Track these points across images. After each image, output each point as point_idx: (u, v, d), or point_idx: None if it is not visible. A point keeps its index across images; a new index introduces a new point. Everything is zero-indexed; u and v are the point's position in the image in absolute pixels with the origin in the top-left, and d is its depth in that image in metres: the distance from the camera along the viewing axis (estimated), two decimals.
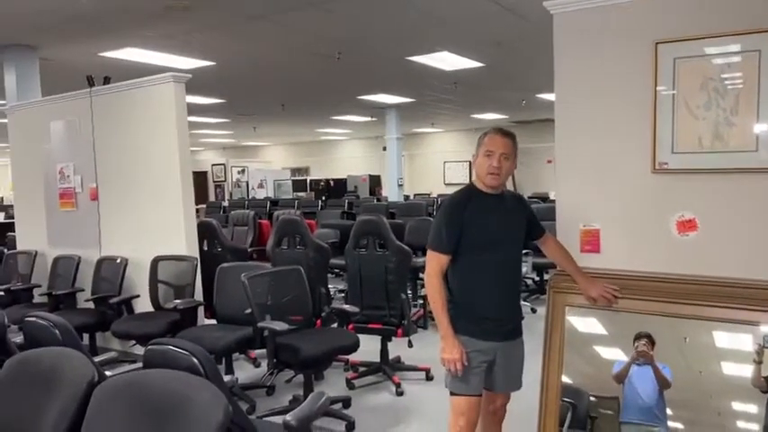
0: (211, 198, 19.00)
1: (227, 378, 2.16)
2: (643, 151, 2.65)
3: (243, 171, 20.26)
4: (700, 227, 2.55)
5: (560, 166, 2.94)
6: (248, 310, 3.69)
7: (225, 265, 4.32)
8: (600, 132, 2.76)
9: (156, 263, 4.67)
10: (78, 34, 5.81)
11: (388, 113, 12.46)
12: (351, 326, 4.28)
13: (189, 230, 4.66)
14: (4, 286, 5.37)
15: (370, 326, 4.27)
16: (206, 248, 4.94)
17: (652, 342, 2.53)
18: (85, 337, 4.96)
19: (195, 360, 1.84)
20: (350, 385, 4.26)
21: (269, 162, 21.95)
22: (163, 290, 4.65)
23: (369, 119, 13.78)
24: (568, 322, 2.75)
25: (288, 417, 2.02)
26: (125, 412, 1.71)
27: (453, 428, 2.47)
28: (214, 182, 21.03)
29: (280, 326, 3.43)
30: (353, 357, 4.48)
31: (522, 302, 6.51)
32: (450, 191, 9.66)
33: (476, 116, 14.42)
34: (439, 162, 18.60)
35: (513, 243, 2.52)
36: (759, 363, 2.33)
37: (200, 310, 4.55)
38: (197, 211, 10.72)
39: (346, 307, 3.89)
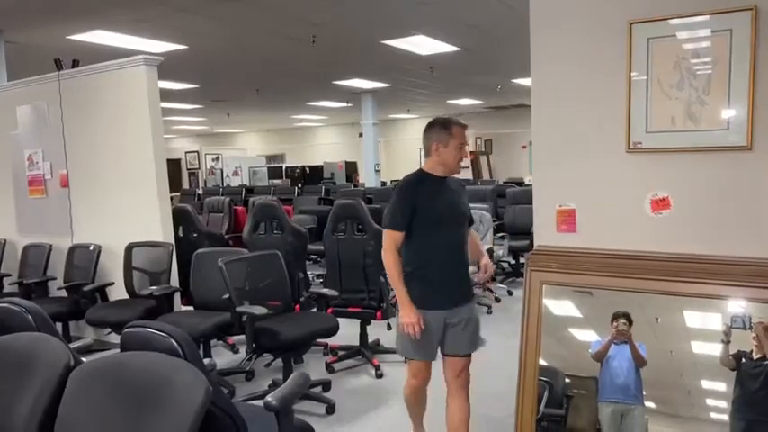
0: (185, 186, 18.75)
1: (206, 361, 2.13)
2: (618, 131, 2.67)
3: (217, 159, 20.00)
4: (673, 205, 2.59)
5: (537, 148, 2.95)
6: (226, 296, 3.66)
7: (201, 250, 4.28)
8: (575, 113, 2.78)
9: (130, 249, 4.59)
10: (46, 16, 5.65)
11: (363, 99, 12.40)
12: (330, 310, 4.28)
13: (164, 216, 4.60)
14: None
15: (349, 309, 4.28)
16: (181, 235, 4.88)
17: (630, 321, 2.57)
18: (59, 326, 4.87)
19: (174, 342, 1.81)
20: (329, 369, 4.27)
21: (243, 149, 21.71)
22: (138, 277, 4.58)
23: (344, 104, 13.70)
24: (543, 305, 2.79)
25: (269, 397, 2.01)
26: (103, 395, 1.69)
27: (407, 388, 2.86)
28: (188, 170, 20.71)
29: (258, 310, 3.41)
30: (333, 341, 4.49)
31: (498, 285, 6.64)
32: None
33: (451, 102, 14.44)
34: (415, 148, 18.58)
35: (458, 221, 2.78)
36: (727, 342, 2.39)
37: (177, 297, 4.50)
38: (171, 199, 10.59)
39: (325, 291, 3.89)
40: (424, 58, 8.31)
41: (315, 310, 4.08)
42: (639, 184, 2.65)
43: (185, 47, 7.02)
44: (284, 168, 18.08)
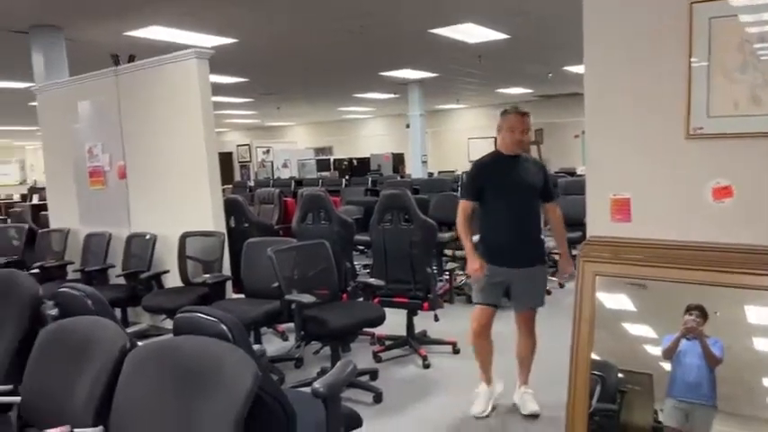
0: (237, 178, 19.15)
1: (255, 347, 2.16)
2: (676, 116, 2.56)
3: (267, 151, 20.34)
4: (735, 193, 2.47)
5: (590, 135, 2.88)
6: (275, 284, 3.72)
7: (252, 240, 4.36)
8: (631, 98, 2.68)
9: (184, 239, 4.73)
10: (103, 13, 5.85)
11: (411, 90, 12.33)
12: (376, 299, 4.29)
13: (216, 207, 4.70)
14: (37, 263, 5.49)
15: (395, 299, 4.28)
16: (233, 225, 4.98)
17: (704, 315, 2.45)
18: (117, 311, 5.07)
19: (224, 327, 1.85)
20: (377, 358, 4.28)
21: (293, 142, 21.98)
22: (191, 265, 4.71)
23: (391, 95, 13.68)
24: (596, 298, 2.71)
25: (316, 384, 2.03)
26: (156, 378, 1.74)
27: (471, 330, 3.30)
28: (239, 162, 21.15)
29: (306, 298, 3.45)
30: (379, 331, 4.51)
31: (550, 277, 6.49)
32: None
33: (501, 91, 14.21)
34: (463, 139, 18.42)
35: (524, 194, 3.17)
36: None
37: (229, 285, 4.60)
38: (223, 190, 10.83)
39: (371, 280, 3.90)
40: (472, 46, 8.20)
41: (361, 299, 4.09)
42: (699, 172, 2.53)
43: (236, 40, 7.14)
44: (332, 161, 18.22)
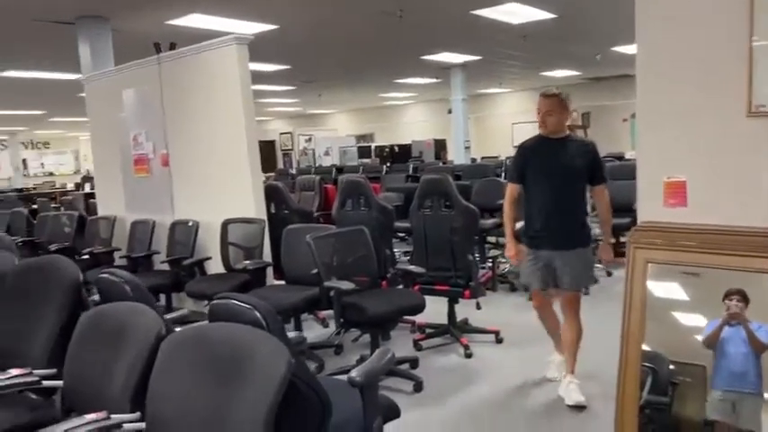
0: (279, 166, 19.35)
1: (293, 334, 2.14)
2: (737, 93, 2.38)
3: (309, 139, 20.46)
4: None
5: (642, 116, 2.74)
6: (314, 271, 3.69)
7: (292, 226, 4.35)
8: (687, 75, 2.52)
9: (225, 225, 4.76)
10: (147, 3, 5.91)
11: (453, 74, 12.12)
12: (417, 287, 4.22)
13: (256, 193, 4.70)
14: (86, 250, 5.65)
15: (436, 287, 4.20)
16: (273, 211, 4.99)
17: (745, 299, 2.30)
18: (162, 297, 5.17)
19: (258, 314, 1.82)
20: (417, 346, 4.23)
21: (334, 129, 22.04)
22: (233, 252, 4.74)
23: (433, 80, 13.50)
24: (647, 286, 2.56)
25: (353, 373, 1.98)
26: (189, 364, 1.72)
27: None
28: (282, 150, 21.36)
29: (345, 285, 3.41)
30: (420, 319, 4.45)
31: (597, 265, 6.28)
32: None
33: (546, 74, 13.83)
34: (507, 124, 18.06)
35: (564, 176, 3.14)
36: None
37: (270, 271, 4.61)
38: (266, 179, 10.93)
39: (411, 267, 3.82)
40: (516, 27, 7.96)
41: (401, 287, 4.03)
42: (762, 152, 2.35)
43: (276, 26, 7.13)
44: (373, 147, 18.17)
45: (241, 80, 4.60)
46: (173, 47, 5.20)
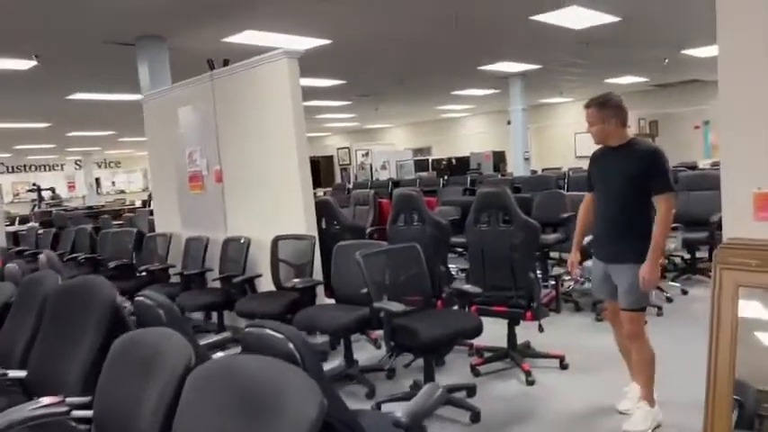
0: (337, 181, 19.43)
1: (335, 364, 1.99)
2: None
3: (367, 154, 20.47)
4: None
5: (725, 122, 2.48)
6: (364, 290, 3.51)
7: (342, 243, 4.20)
8: None
9: (276, 242, 4.66)
10: (203, 20, 5.97)
11: (511, 84, 11.79)
12: (473, 307, 3.97)
13: (307, 209, 4.59)
14: (143, 267, 5.69)
15: (494, 308, 3.93)
16: (324, 227, 4.86)
17: None
18: (214, 315, 5.13)
19: (291, 345, 1.64)
20: (474, 372, 3.96)
21: (391, 144, 21.95)
22: (284, 269, 4.63)
23: (491, 91, 13.19)
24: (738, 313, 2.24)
25: (398, 412, 1.77)
26: (215, 399, 1.56)
27: None
28: (339, 165, 21.46)
29: (396, 306, 3.21)
30: (478, 341, 4.19)
31: (671, 283, 5.84)
32: (582, 164, 8.83)
33: (609, 81, 13.25)
34: (569, 134, 17.43)
35: (616, 183, 2.98)
36: None
37: (321, 290, 4.47)
38: (324, 193, 10.87)
39: (467, 287, 3.58)
40: (577, 32, 7.60)
41: (456, 308, 3.79)
42: None
43: (329, 41, 7.08)
44: (430, 161, 17.95)
45: (292, 95, 4.51)
46: (226, 63, 5.20)
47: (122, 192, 24.00)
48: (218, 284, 5.02)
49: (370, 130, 22.57)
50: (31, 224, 10.55)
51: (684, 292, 5.61)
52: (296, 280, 4.24)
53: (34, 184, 20.47)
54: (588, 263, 3.45)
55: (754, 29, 2.30)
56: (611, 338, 3.29)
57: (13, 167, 23.03)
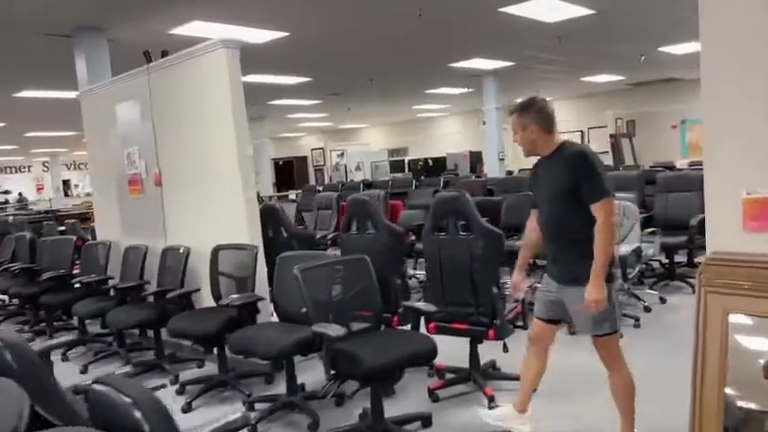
0: (311, 182, 18.95)
1: (237, 416, 1.59)
2: None
3: (342, 154, 20.02)
4: None
5: (709, 119, 2.20)
6: (304, 309, 3.08)
7: (285, 254, 3.76)
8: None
9: (216, 252, 4.21)
10: (145, 10, 5.49)
11: (485, 82, 11.43)
12: (431, 325, 3.56)
13: (250, 215, 4.15)
14: (78, 279, 5.19)
15: (453, 326, 3.52)
16: (271, 235, 4.42)
17: None
18: (151, 334, 4.65)
19: (138, 414, 1.21)
20: (433, 397, 3.55)
21: (367, 144, 21.52)
22: (225, 283, 4.18)
23: (465, 90, 12.82)
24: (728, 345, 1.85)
25: None
26: None
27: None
28: (314, 166, 20.98)
29: (335, 330, 2.78)
30: (439, 360, 3.79)
31: (649, 290, 5.49)
32: None
33: (586, 79, 12.99)
34: None
35: (551, 201, 2.65)
36: None
37: (267, 306, 4.02)
38: (296, 196, 10.37)
39: (419, 305, 3.16)
40: (551, 26, 7.25)
41: (408, 327, 3.37)
42: None
43: (286, 33, 6.63)
44: (406, 161, 17.55)
45: (231, 90, 4.07)
46: (164, 55, 4.72)
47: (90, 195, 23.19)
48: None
49: (346, 130, 22.11)
50: None
51: (663, 301, 5.27)
52: (234, 296, 3.79)
53: None
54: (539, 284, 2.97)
55: (739, 21, 2.07)
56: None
57: None
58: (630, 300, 5.31)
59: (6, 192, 19.65)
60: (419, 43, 7.83)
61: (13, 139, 16.10)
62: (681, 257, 6.09)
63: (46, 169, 22.87)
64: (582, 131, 16.47)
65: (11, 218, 10.82)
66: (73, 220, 8.20)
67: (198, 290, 4.28)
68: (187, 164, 4.54)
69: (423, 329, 3.50)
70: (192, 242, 4.49)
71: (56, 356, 5.05)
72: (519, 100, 2.82)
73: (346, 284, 3.27)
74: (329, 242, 5.72)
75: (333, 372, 2.89)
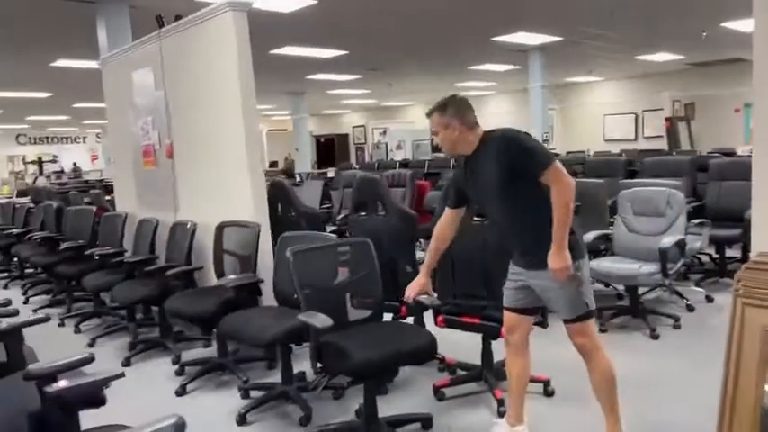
0: (352, 160, 18.71)
1: (169, 423, 1.36)
2: None
3: (384, 132, 19.66)
4: None
5: (761, 104, 1.77)
6: (296, 295, 2.83)
7: (287, 234, 3.50)
8: None
9: (221, 229, 4.00)
10: None
11: (530, 58, 10.84)
12: (440, 318, 3.25)
13: (256, 191, 3.92)
14: (93, 250, 5.09)
15: (463, 319, 3.20)
16: (280, 213, 4.18)
17: None
18: (155, 310, 4.51)
19: None
20: (438, 395, 3.25)
21: (411, 122, 21.07)
22: (230, 261, 3.98)
23: (511, 67, 12.25)
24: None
25: None
26: None
27: None
28: (355, 144, 20.73)
29: (321, 321, 2.51)
30: (452, 355, 3.51)
31: (694, 287, 5.01)
32: (611, 148, 7.94)
33: (642, 58, 12.18)
34: (598, 116, 16.41)
35: (494, 198, 2.47)
36: None
37: (269, 288, 3.79)
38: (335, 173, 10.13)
39: (422, 298, 2.84)
40: None
41: (410, 319, 3.07)
42: None
43: (314, 1, 6.31)
44: None
45: (239, 55, 3.81)
46: (177, 19, 4.50)
47: None
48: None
49: (389, 107, 21.71)
50: (14, 199, 10.13)
51: (709, 299, 4.79)
52: (231, 276, 3.57)
53: (39, 158, 20.31)
54: None
55: None
56: (613, 357, 2.56)
57: (35, 139, 22.96)
58: (672, 297, 4.86)
59: (53, 160, 20.26)
60: (458, 13, 7.38)
61: (63, 109, 16.48)
62: (734, 251, 5.55)
63: (99, 140, 23.48)
64: (636, 114, 15.61)
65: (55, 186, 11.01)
66: (97, 191, 8.21)
67: (200, 268, 4.10)
68: (198, 135, 4.33)
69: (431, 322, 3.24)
70: (202, 217, 4.30)
71: (69, 327, 5.02)
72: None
73: (345, 270, 2.99)
74: (341, 223, 5.45)
75: (319, 365, 2.63)
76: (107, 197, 7.71)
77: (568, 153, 13.42)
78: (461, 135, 2.47)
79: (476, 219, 3.15)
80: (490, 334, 3.22)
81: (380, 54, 10.19)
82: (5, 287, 6.93)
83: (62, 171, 21.39)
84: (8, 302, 3.17)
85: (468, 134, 2.48)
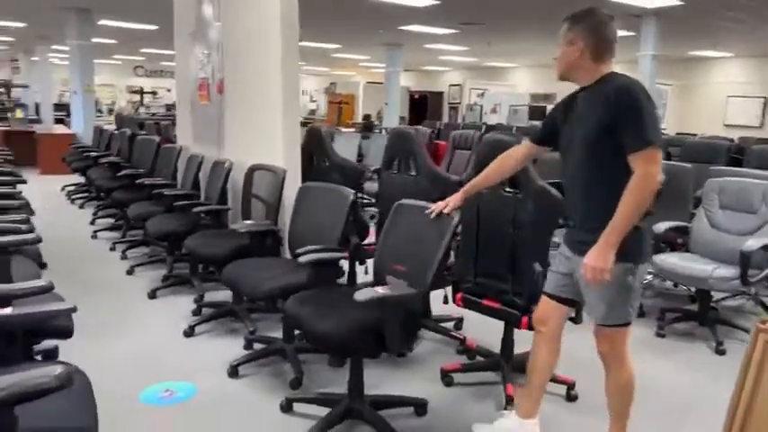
0: (445, 120, 18.16)
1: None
2: None
3: (482, 94, 18.86)
4: None
5: None
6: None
7: (307, 184, 3.27)
8: None
9: (251, 172, 3.83)
10: None
11: (644, 23, 9.74)
12: (459, 296, 2.91)
13: (288, 137, 3.68)
14: (143, 179, 5.13)
15: (484, 302, 2.84)
16: (315, 162, 3.94)
17: None
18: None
19: None
20: (446, 379, 2.95)
21: (513, 85, 20.04)
22: (258, 206, 3.81)
23: (623, 33, 11.09)
24: None
25: None
26: None
27: None
28: (449, 103, 20.09)
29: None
30: (474, 337, 3.20)
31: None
32: (731, 134, 6.93)
33: None
34: (720, 96, 14.73)
35: (581, 146, 2.07)
36: None
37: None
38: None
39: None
40: None
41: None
42: None
43: None
44: (548, 109, 16.08)
45: None
46: None
47: None
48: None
49: (490, 68, 20.70)
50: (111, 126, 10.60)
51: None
52: (247, 222, 3.40)
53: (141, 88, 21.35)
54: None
55: None
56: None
57: (151, 72, 24.23)
58: (756, 308, 4.20)
59: (138, 91, 21.31)
60: None
61: (168, 44, 17.09)
62: None
63: None
64: (765, 98, 13.85)
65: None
66: (167, 122, 8.37)
67: (228, 209, 3.97)
68: (245, 73, 4.15)
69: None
70: (242, 157, 4.15)
71: (116, 253, 5.13)
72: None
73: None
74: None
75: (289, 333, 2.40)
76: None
77: (677, 134, 12.19)
78: (581, 60, 2.06)
79: (507, 190, 2.73)
80: (510, 322, 2.84)
81: (476, 6, 9.53)
82: (81, 206, 7.27)
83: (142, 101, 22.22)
84: (27, 220, 3.16)
85: (590, 63, 2.06)
